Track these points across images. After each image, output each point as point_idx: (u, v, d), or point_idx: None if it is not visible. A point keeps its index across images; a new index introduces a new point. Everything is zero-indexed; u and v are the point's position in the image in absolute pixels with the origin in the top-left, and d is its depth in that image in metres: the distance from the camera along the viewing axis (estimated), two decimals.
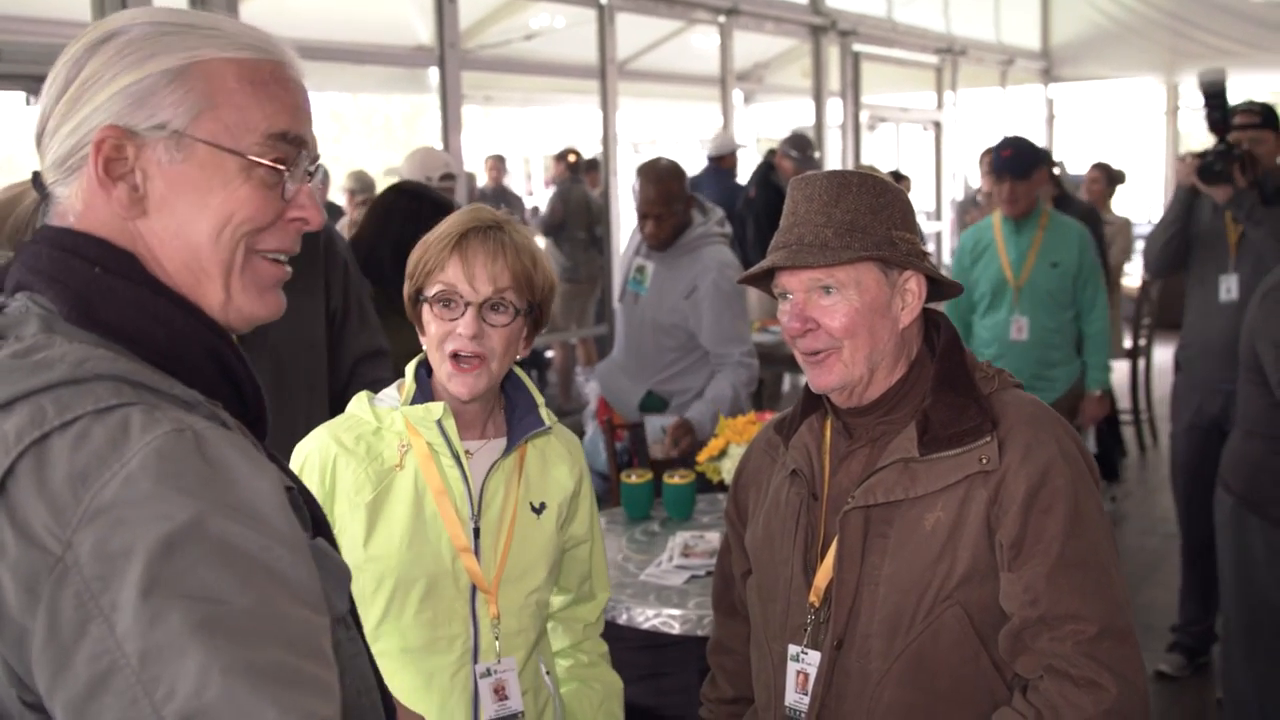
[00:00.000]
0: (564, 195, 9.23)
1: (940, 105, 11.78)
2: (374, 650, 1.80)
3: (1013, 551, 1.62)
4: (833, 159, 9.99)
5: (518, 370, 1.96)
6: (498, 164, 10.36)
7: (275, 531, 0.91)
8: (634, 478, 3.35)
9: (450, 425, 1.84)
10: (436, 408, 1.83)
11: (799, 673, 1.73)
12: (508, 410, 1.95)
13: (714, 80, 8.87)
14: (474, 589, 1.84)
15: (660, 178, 4.01)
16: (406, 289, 1.87)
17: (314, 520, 1.10)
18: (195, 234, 1.04)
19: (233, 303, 1.07)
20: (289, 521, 0.94)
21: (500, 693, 1.84)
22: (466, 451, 1.87)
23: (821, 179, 1.70)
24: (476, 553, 1.85)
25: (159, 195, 1.03)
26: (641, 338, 4.14)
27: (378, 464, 1.84)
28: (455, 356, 1.82)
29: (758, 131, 11.19)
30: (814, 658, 1.71)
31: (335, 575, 1.07)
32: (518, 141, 13.45)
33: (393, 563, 1.81)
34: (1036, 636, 1.61)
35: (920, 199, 7.84)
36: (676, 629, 2.65)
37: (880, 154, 11.37)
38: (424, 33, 7.46)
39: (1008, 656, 1.65)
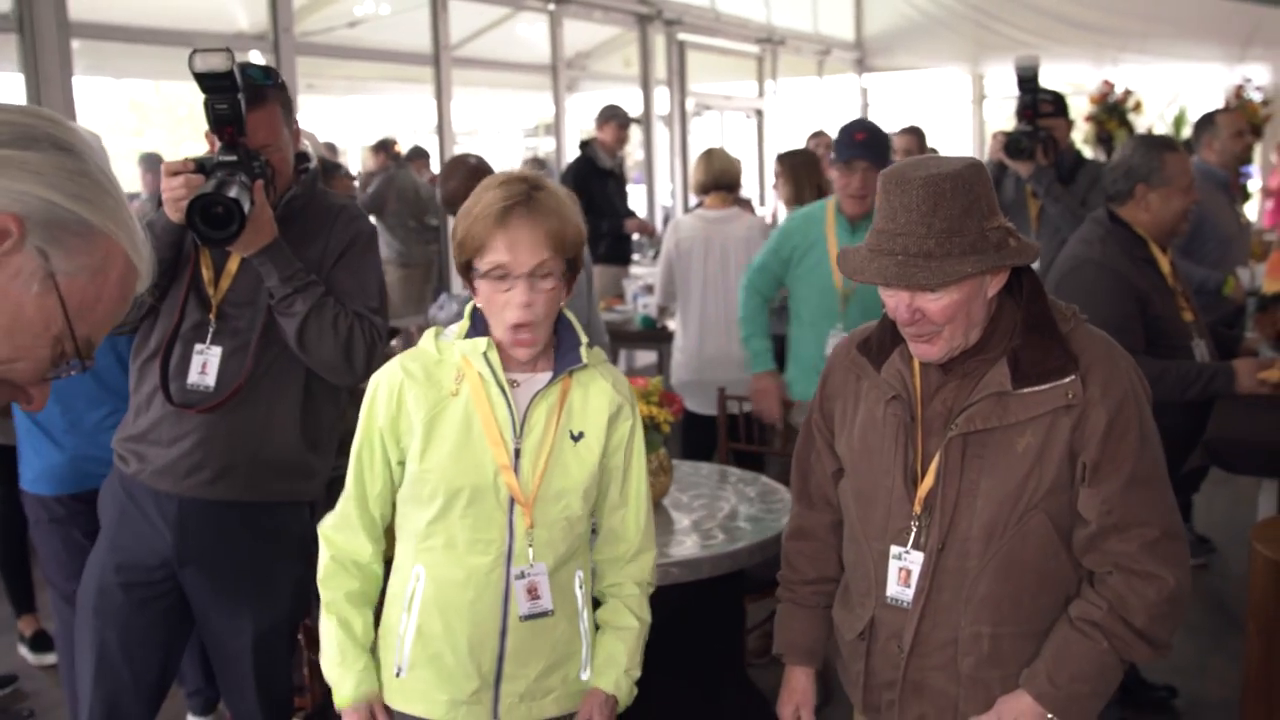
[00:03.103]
0: (389, 181, 9.13)
1: (761, 94, 12.12)
2: (423, 546, 2.08)
3: (1093, 471, 1.92)
4: (661, 146, 10.20)
5: (567, 313, 2.17)
6: (329, 152, 10.21)
7: None
8: None
9: (495, 358, 2.08)
10: (482, 342, 2.08)
11: (901, 569, 2.02)
12: (556, 346, 2.16)
13: (541, 69, 8.94)
14: (512, 502, 2.07)
15: (448, 181, 4.22)
16: (456, 257, 2.08)
17: None
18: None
19: None
20: None
21: (533, 593, 2.10)
22: (513, 382, 2.11)
23: (918, 187, 1.85)
24: (516, 471, 2.07)
25: None
26: None
27: (436, 390, 2.09)
28: (515, 327, 2.04)
29: (581, 122, 11.31)
30: (916, 557, 2.00)
31: None
32: (340, 131, 13.24)
33: (443, 473, 2.06)
34: (1107, 538, 1.93)
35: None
36: None
37: (706, 142, 11.63)
38: (243, 18, 7.32)
39: (1079, 554, 1.97)
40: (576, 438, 2.13)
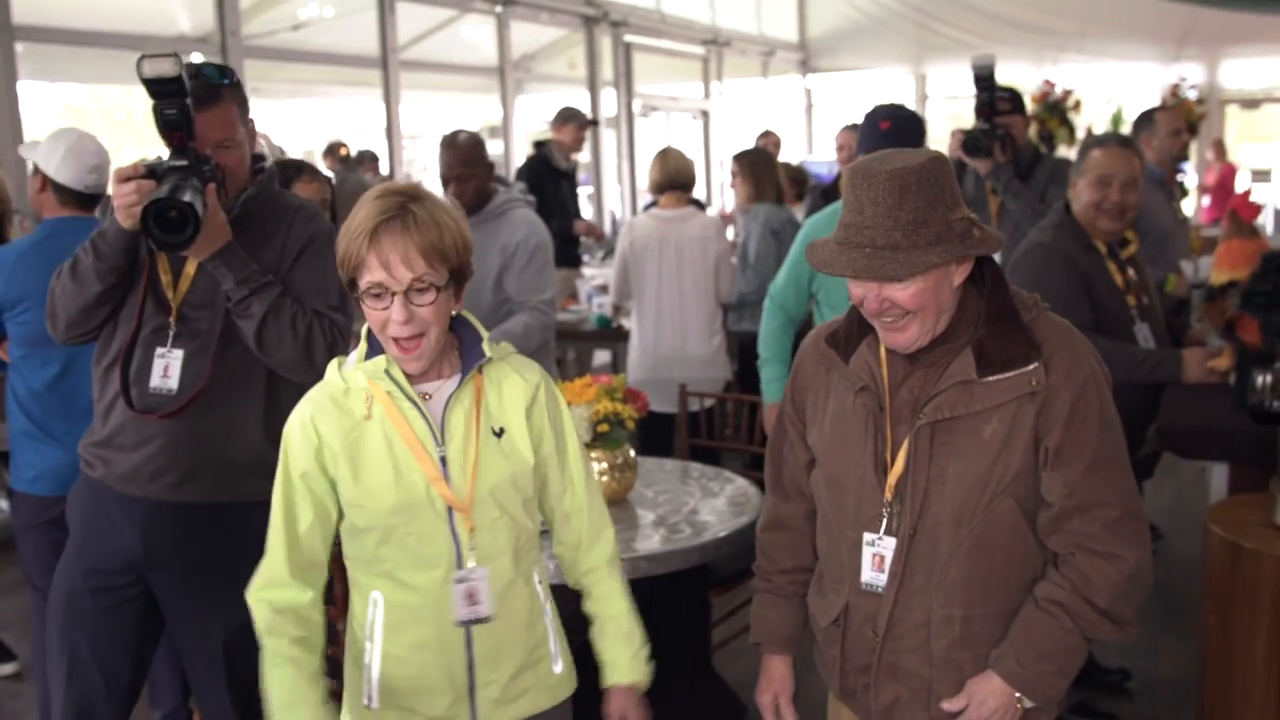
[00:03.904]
0: (339, 184, 9.06)
1: (707, 94, 12.19)
2: (375, 571, 2.03)
3: (1056, 455, 1.96)
4: (608, 146, 10.22)
5: (464, 312, 2.12)
6: (282, 154, 10.15)
7: None
8: None
9: (397, 373, 2.03)
10: (381, 360, 2.02)
11: (875, 555, 2.06)
12: (459, 347, 2.12)
13: (488, 70, 8.93)
14: (450, 510, 2.03)
15: (456, 143, 4.23)
16: (341, 275, 2.02)
17: None
18: None
19: None
20: None
21: (472, 597, 2.04)
22: (425, 394, 2.07)
23: (884, 181, 1.90)
24: (447, 480, 2.03)
25: None
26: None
27: (348, 417, 2.04)
28: (395, 340, 2.00)
29: (528, 125, 11.30)
30: (889, 543, 2.04)
31: None
32: (285, 135, 13.10)
33: (376, 498, 2.02)
34: (1070, 519, 1.98)
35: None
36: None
37: (653, 143, 11.67)
38: (185, 21, 7.24)
39: (1043, 535, 2.01)
40: (498, 434, 2.11)
